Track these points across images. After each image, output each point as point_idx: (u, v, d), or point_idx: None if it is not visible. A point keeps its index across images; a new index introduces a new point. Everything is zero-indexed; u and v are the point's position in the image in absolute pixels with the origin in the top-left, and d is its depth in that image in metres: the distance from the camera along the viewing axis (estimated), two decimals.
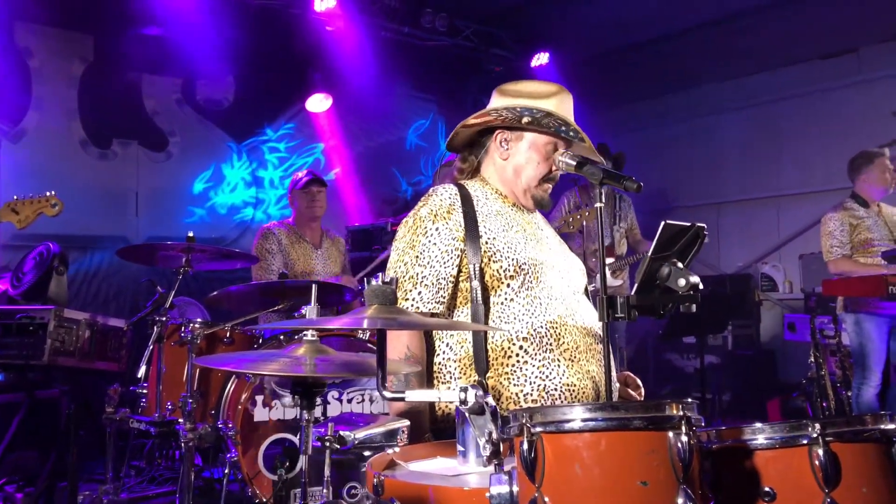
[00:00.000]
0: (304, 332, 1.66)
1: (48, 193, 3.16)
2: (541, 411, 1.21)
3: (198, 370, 3.44)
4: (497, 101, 2.27)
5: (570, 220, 5.04)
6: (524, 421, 1.21)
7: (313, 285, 1.61)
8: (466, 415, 1.30)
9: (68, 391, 4.22)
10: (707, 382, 6.06)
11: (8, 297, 4.37)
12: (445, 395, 1.35)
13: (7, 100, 5.68)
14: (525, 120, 2.21)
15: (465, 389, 1.27)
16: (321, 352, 1.59)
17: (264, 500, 3.33)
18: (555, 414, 1.19)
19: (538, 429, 1.19)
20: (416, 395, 1.41)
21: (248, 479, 3.34)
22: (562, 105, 2.24)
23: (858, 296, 4.70)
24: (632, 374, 2.46)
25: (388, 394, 1.40)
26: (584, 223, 5.13)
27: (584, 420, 1.17)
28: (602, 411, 1.18)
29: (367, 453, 1.76)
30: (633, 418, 1.16)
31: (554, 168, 2.27)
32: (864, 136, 6.62)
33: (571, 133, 2.23)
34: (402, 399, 1.43)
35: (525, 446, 1.19)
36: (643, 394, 2.45)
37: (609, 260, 5.56)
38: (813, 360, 4.93)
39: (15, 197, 3.15)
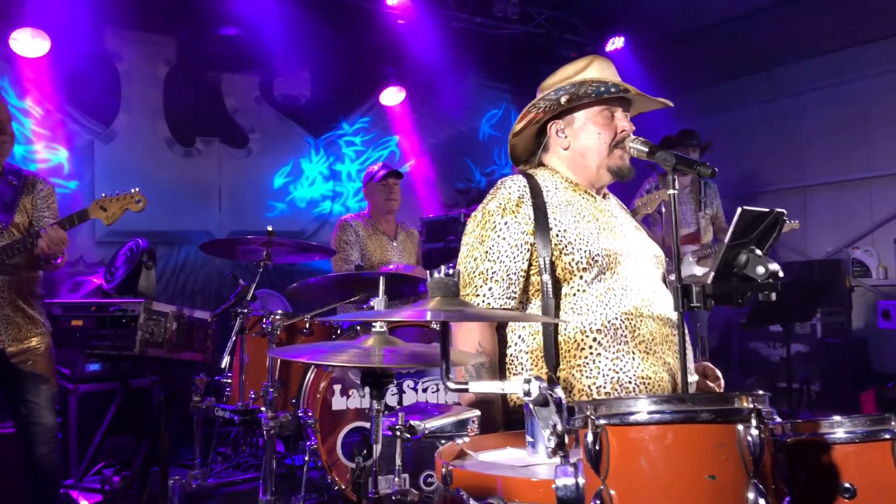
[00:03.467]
0: (374, 324, 1.69)
1: (133, 190, 3.31)
2: (605, 403, 1.19)
3: (279, 360, 3.54)
4: (537, 99, 2.24)
5: (646, 200, 4.93)
6: (589, 413, 1.19)
7: (381, 277, 1.63)
8: (531, 406, 1.30)
9: (159, 380, 4.42)
10: (794, 372, 5.84)
11: (102, 291, 4.62)
12: (509, 386, 1.35)
13: (98, 102, 5.96)
14: (564, 99, 2.16)
15: (528, 381, 1.27)
16: (389, 343, 1.61)
17: (342, 487, 3.41)
18: (619, 406, 1.18)
19: (602, 421, 1.18)
20: (480, 387, 1.41)
21: (328, 466, 3.42)
22: (595, 69, 2.19)
23: None
24: (711, 365, 2.38)
25: (451, 384, 1.41)
26: (663, 209, 5.01)
27: (650, 413, 1.15)
28: (668, 404, 1.15)
29: (441, 443, 1.78)
30: (701, 411, 1.13)
31: (619, 130, 2.20)
32: None
33: (613, 89, 2.16)
34: (466, 390, 1.44)
35: (590, 438, 1.17)
36: (722, 385, 2.38)
37: (693, 247, 5.41)
38: None
39: (103, 194, 3.31)
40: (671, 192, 1.97)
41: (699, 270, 5.36)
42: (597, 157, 2.22)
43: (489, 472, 1.45)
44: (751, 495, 1.11)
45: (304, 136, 7.06)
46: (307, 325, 3.76)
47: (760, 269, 1.86)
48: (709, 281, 1.86)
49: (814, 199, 7.38)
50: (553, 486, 1.24)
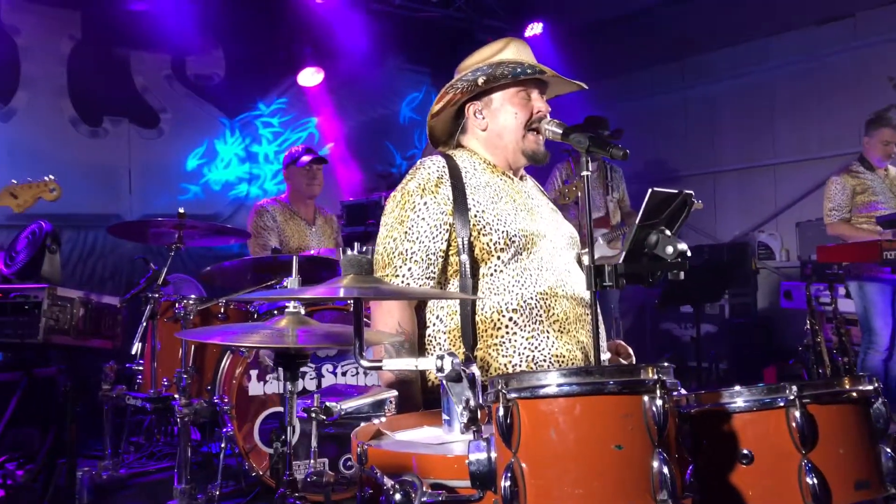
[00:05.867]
0: (288, 304, 1.66)
1: (46, 178, 3.18)
2: (516, 377, 1.21)
3: (192, 346, 3.45)
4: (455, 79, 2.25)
5: (566, 191, 5.02)
6: (500, 387, 1.21)
7: (293, 258, 1.60)
8: (444, 383, 1.30)
9: (65, 369, 4.24)
10: (703, 351, 6.07)
11: (1, 276, 4.38)
12: (423, 363, 1.35)
13: None
14: (481, 80, 2.18)
15: (441, 357, 1.27)
16: (303, 323, 1.59)
17: (260, 473, 3.36)
18: (530, 380, 1.19)
19: (514, 395, 1.19)
20: (394, 364, 1.41)
21: (245, 452, 3.37)
22: (511, 51, 2.22)
23: (853, 261, 4.70)
24: (623, 343, 2.45)
25: (364, 362, 1.40)
26: (579, 194, 5.11)
27: (559, 385, 1.17)
28: (576, 376, 1.18)
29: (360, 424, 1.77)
30: (608, 382, 1.16)
31: (535, 111, 2.23)
32: (860, 102, 6.58)
33: (529, 70, 2.19)
34: (380, 368, 1.43)
35: (501, 412, 1.19)
36: (634, 362, 2.45)
37: (603, 230, 5.55)
38: (809, 327, 4.93)
39: (14, 181, 3.15)
40: (584, 173, 2.01)
41: (610, 252, 5.51)
42: (513, 138, 2.25)
43: (404, 451, 1.45)
44: (655, 464, 1.14)
45: (219, 117, 6.87)
46: (222, 310, 3.67)
47: (669, 249, 1.92)
48: (620, 261, 1.90)
49: (723, 185, 7.67)
50: (466, 461, 1.25)
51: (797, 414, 1.25)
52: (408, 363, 1.40)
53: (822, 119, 6.90)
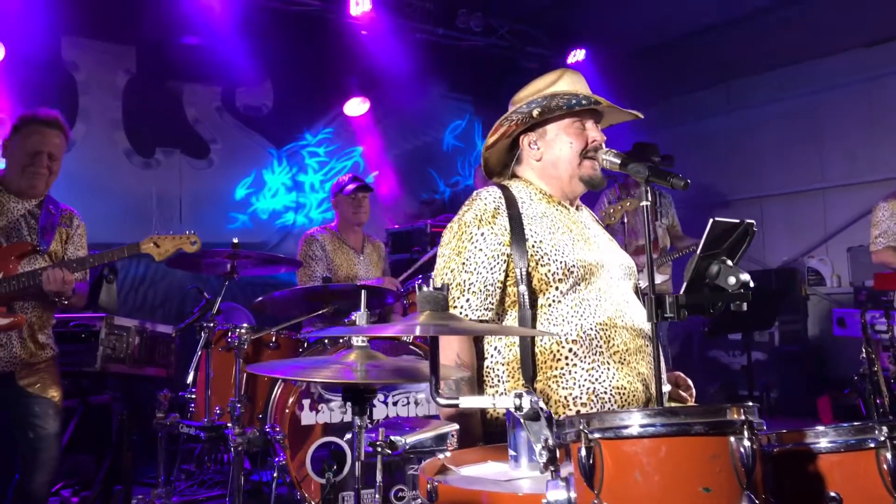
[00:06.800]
0: (354, 338, 1.67)
1: (188, 232, 3.36)
2: (598, 417, 1.19)
3: (245, 375, 3.48)
4: (509, 112, 2.26)
5: (611, 210, 4.98)
6: (581, 427, 1.19)
7: (362, 291, 1.61)
8: (521, 420, 1.29)
9: (120, 397, 4.31)
10: (754, 380, 5.95)
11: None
12: (500, 402, 1.34)
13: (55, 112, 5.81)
14: (536, 112, 2.18)
15: (519, 395, 1.26)
16: (372, 358, 1.59)
17: (312, 502, 3.36)
18: (613, 420, 1.18)
19: (596, 435, 1.18)
20: (470, 402, 1.40)
21: (297, 482, 3.37)
22: (566, 82, 2.22)
23: None
24: (682, 375, 2.42)
25: (442, 400, 1.39)
26: (626, 219, 5.08)
27: (643, 426, 1.15)
28: (661, 417, 1.16)
29: (412, 457, 1.76)
30: (694, 423, 1.14)
31: (590, 140, 2.23)
32: None
33: (584, 101, 2.19)
34: (457, 406, 1.43)
35: (583, 453, 1.17)
36: (694, 394, 2.41)
37: (653, 256, 5.48)
38: (865, 355, 4.79)
39: (157, 232, 3.40)
40: (644, 203, 2.00)
41: (659, 278, 5.45)
42: (569, 167, 2.24)
43: (474, 488, 1.44)
44: None
45: (267, 147, 6.99)
46: (273, 339, 3.71)
47: (732, 280, 1.89)
48: (667, 287, 1.89)
49: (770, 210, 7.55)
50: (544, 500, 1.24)
51: (889, 456, 1.21)
52: (485, 401, 1.39)
53: (872, 142, 6.77)
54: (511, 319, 2.14)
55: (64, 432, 4.18)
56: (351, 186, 4.66)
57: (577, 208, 2.35)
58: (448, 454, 1.70)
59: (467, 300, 2.10)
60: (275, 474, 3.32)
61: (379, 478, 1.76)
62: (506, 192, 2.23)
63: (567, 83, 2.24)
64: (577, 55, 7.51)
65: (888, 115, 6.65)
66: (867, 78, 6.79)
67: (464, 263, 2.13)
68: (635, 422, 1.16)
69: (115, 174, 6.09)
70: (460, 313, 2.09)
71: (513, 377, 2.11)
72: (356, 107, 7.08)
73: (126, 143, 6.21)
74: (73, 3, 5.51)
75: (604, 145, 2.25)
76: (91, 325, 3.97)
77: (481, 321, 2.11)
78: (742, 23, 6.77)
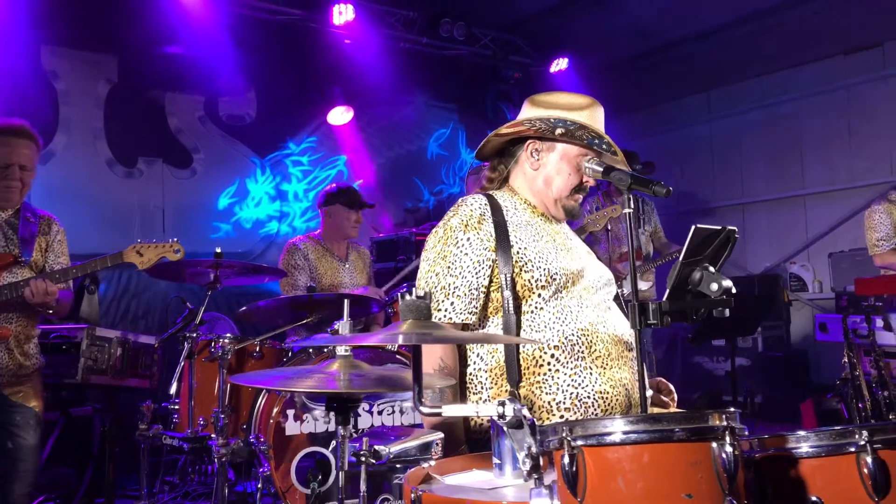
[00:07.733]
0: (336, 347, 1.66)
1: (171, 240, 3.34)
2: (581, 424, 1.19)
3: (229, 385, 3.46)
4: (529, 112, 2.26)
5: (596, 217, 5.00)
6: (564, 434, 1.19)
7: (345, 300, 1.60)
8: (504, 428, 1.29)
9: (102, 409, 4.26)
10: (738, 385, 5.97)
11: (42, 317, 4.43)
12: (483, 410, 1.34)
13: (35, 123, 5.75)
14: (559, 132, 2.21)
15: (503, 403, 1.26)
16: (355, 367, 1.59)
17: None
18: (596, 427, 1.18)
19: (579, 442, 1.18)
20: (454, 410, 1.40)
21: (281, 492, 3.34)
22: (593, 117, 2.23)
23: (894, 294, 4.61)
24: (664, 380, 2.44)
25: (425, 409, 1.39)
26: (609, 226, 5.10)
27: (626, 433, 1.16)
28: (643, 423, 1.16)
29: (398, 465, 1.76)
30: (676, 430, 1.14)
31: (584, 179, 2.26)
32: (889, 131, 6.53)
33: (605, 146, 2.22)
34: (440, 414, 1.42)
35: (566, 460, 1.17)
36: (676, 399, 2.43)
37: (637, 263, 5.51)
38: (847, 360, 4.83)
39: (139, 240, 3.35)
40: (626, 210, 2.01)
41: (643, 285, 5.48)
42: (556, 193, 2.28)
43: (458, 496, 1.43)
44: None
45: (250, 156, 6.97)
46: (257, 349, 3.68)
47: (714, 286, 1.90)
48: (651, 294, 1.90)
49: (752, 216, 7.62)
50: None
51: (869, 460, 1.22)
52: (468, 409, 1.39)
53: (851, 149, 6.86)
54: (494, 325, 2.15)
55: (45, 445, 4.14)
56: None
57: (557, 221, 2.38)
58: (433, 463, 1.70)
59: (451, 303, 2.11)
60: (259, 485, 3.29)
61: (363, 487, 1.75)
62: (491, 200, 2.26)
63: (593, 117, 2.23)
64: (560, 64, 7.55)
65: (867, 122, 6.73)
66: (846, 85, 6.88)
67: (449, 267, 2.14)
68: (618, 429, 1.16)
69: (97, 184, 6.05)
70: (444, 316, 2.10)
71: (496, 384, 2.12)
72: (340, 116, 7.07)
73: (108, 153, 6.17)
74: (53, 13, 5.46)
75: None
76: (72, 337, 3.93)
77: (465, 325, 2.12)
78: (723, 32, 6.83)
